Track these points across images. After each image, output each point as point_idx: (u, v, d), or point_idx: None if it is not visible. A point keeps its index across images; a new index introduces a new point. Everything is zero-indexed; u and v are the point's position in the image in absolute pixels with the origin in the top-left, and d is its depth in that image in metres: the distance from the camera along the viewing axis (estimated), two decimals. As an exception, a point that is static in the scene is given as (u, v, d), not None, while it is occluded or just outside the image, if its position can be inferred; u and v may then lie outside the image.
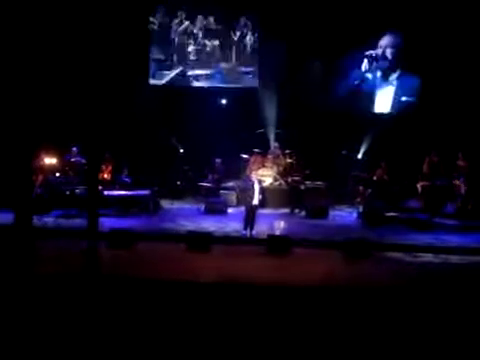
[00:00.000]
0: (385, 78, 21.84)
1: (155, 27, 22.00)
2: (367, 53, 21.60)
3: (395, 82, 21.75)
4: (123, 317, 8.66)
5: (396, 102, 21.73)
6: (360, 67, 21.72)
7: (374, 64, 21.69)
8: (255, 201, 14.91)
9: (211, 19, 21.90)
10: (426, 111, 20.01)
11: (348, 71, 21.61)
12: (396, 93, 21.75)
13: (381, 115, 21.58)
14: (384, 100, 21.89)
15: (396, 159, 18.88)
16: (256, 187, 14.98)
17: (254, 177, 15.48)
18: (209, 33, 22.02)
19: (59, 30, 18.89)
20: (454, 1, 19.73)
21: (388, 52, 21.49)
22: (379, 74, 21.82)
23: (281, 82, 21.00)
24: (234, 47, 22.04)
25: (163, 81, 22.13)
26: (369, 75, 21.80)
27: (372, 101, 22.00)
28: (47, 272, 11.23)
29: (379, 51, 21.54)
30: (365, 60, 21.66)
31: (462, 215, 16.46)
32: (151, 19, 21.92)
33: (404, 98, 21.64)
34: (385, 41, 21.54)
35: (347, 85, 21.57)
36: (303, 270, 12.03)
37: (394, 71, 21.72)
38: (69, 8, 18.82)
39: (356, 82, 21.71)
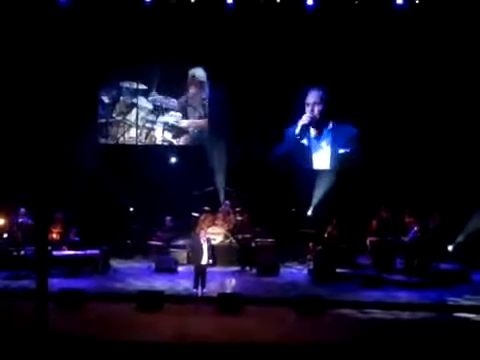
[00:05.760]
0: (318, 134, 21.87)
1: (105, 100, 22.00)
2: (300, 122, 21.59)
3: (330, 136, 21.84)
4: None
5: (334, 156, 21.73)
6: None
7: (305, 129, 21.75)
8: (203, 261, 14.84)
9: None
10: (374, 167, 20.33)
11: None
12: (332, 146, 21.77)
13: (324, 171, 21.62)
14: (322, 156, 21.83)
15: (346, 215, 19.03)
16: (204, 247, 14.92)
17: (203, 236, 15.25)
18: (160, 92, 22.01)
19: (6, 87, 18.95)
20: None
21: (316, 108, 21.58)
22: (313, 132, 21.81)
23: (230, 138, 21.16)
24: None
25: (112, 141, 22.05)
26: (305, 141, 21.76)
27: (310, 158, 21.98)
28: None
29: (308, 114, 21.56)
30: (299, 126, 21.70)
31: (409, 271, 16.63)
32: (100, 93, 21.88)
33: (341, 150, 21.65)
34: (312, 98, 21.63)
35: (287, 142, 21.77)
36: (255, 328, 11.97)
37: (326, 125, 21.81)
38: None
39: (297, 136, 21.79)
